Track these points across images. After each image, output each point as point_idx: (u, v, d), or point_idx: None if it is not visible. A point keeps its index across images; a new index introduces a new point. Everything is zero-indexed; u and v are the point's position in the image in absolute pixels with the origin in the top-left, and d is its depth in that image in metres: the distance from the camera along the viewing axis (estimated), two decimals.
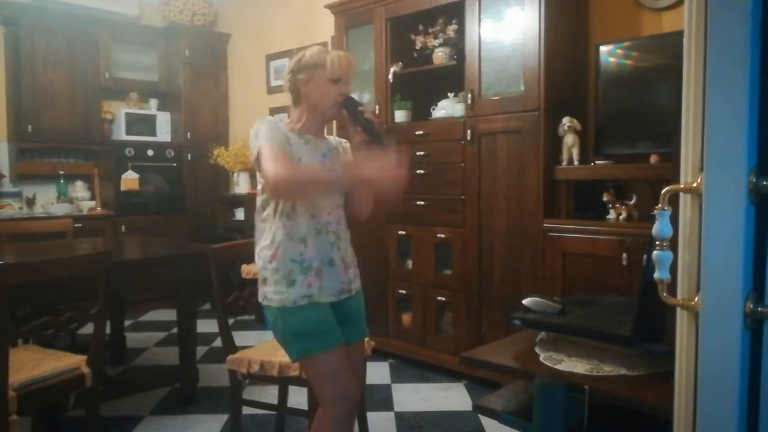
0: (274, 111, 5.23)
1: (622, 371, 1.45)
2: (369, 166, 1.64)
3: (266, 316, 1.80)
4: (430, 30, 3.50)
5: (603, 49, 2.84)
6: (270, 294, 1.74)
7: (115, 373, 3.50)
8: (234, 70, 5.67)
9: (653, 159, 2.64)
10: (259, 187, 1.79)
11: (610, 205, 2.74)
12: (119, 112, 5.15)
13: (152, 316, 4.94)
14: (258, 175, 1.78)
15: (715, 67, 0.86)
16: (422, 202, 3.39)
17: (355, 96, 1.82)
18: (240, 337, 3.04)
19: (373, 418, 2.67)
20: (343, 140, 1.92)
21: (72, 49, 4.84)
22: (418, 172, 3.37)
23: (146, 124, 5.22)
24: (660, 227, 0.96)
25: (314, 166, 1.77)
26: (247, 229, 4.89)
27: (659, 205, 0.96)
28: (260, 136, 1.68)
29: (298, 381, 2.16)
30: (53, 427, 2.60)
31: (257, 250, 1.80)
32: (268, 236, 1.76)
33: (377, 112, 3.56)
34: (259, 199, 1.80)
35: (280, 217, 1.73)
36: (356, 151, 1.83)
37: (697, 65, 0.90)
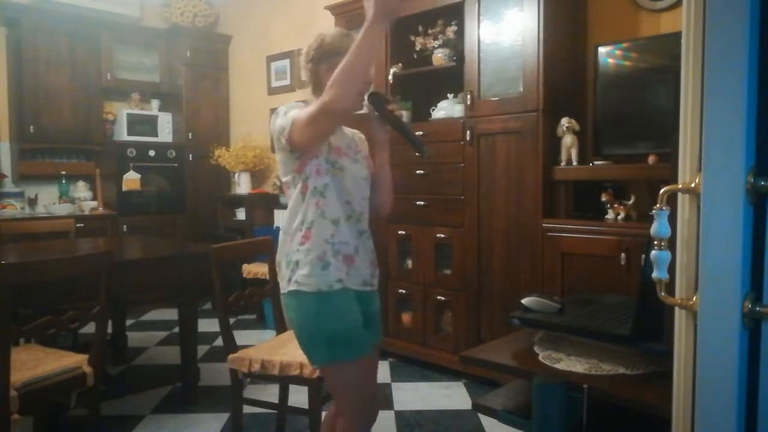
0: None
1: (621, 370, 1.45)
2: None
3: (290, 307, 1.65)
4: (429, 31, 3.51)
5: (602, 50, 2.85)
6: (303, 278, 1.60)
7: (116, 373, 3.51)
8: (235, 71, 5.68)
9: (651, 159, 2.64)
10: (284, 170, 1.68)
11: (609, 205, 2.74)
12: (121, 112, 5.16)
13: (153, 315, 4.94)
14: (283, 160, 1.67)
15: (713, 68, 0.87)
16: (422, 202, 3.40)
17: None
18: (241, 337, 3.05)
19: None
20: (357, 132, 1.85)
21: (74, 50, 4.85)
22: (417, 172, 3.38)
23: (148, 124, 5.23)
24: (658, 227, 0.97)
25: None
26: (247, 229, 4.90)
27: (657, 205, 0.96)
28: (291, 112, 1.60)
29: (298, 380, 2.17)
30: (55, 426, 2.61)
31: (283, 238, 1.68)
32: (298, 218, 1.64)
33: None
34: (286, 184, 1.69)
35: (312, 195, 1.62)
36: (379, 149, 1.76)
37: (695, 66, 0.91)
